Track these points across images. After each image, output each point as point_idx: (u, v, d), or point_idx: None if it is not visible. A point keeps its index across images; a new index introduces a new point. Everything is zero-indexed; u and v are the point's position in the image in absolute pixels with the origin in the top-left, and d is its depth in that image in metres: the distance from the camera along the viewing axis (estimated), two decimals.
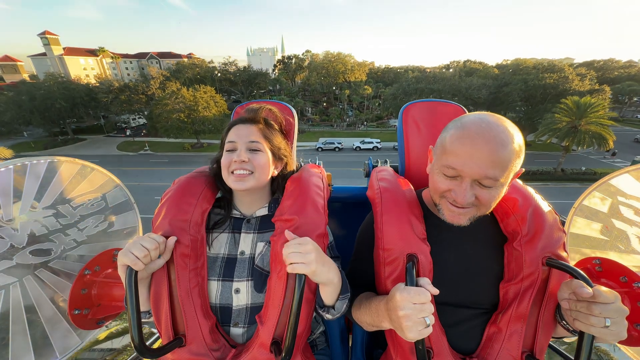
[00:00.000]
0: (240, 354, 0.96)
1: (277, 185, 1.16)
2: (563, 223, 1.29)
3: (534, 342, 0.88)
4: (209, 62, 56.48)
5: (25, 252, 1.18)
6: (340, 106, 52.39)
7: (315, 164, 1.47)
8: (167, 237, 0.95)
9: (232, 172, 1.02)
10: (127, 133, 43.50)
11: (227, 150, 1.05)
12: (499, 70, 45.08)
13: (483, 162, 0.77)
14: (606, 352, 2.05)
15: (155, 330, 1.12)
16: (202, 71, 51.54)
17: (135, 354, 0.84)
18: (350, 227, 1.44)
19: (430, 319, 0.72)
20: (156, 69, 56.07)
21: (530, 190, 1.00)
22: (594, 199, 1.33)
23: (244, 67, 55.14)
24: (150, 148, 37.07)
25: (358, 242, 1.15)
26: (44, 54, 67.85)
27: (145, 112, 40.37)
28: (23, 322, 1.15)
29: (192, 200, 1.03)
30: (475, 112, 0.85)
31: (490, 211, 0.88)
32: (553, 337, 0.94)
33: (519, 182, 1.03)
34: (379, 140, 36.32)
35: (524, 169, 0.83)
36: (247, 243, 1.07)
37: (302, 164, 1.39)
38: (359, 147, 35.65)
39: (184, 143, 37.56)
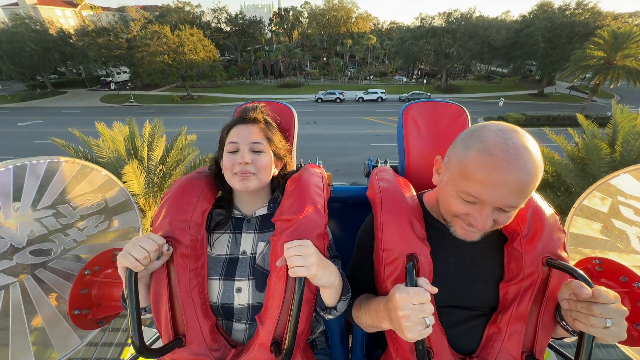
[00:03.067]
0: (240, 354, 0.96)
1: (277, 184, 1.17)
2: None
3: (533, 342, 0.88)
4: (196, 6, 48.97)
5: (25, 252, 1.18)
6: (342, 63, 49.19)
7: (315, 164, 1.47)
8: (166, 237, 0.95)
9: (236, 174, 1.02)
10: (112, 87, 40.74)
11: (229, 152, 1.05)
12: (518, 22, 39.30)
13: (510, 193, 0.72)
14: None
15: (155, 330, 1.12)
16: (189, 16, 45.18)
17: (135, 353, 0.83)
18: (350, 227, 1.43)
19: (430, 320, 0.72)
20: (136, 9, 49.18)
21: None
22: (594, 199, 1.33)
23: (236, 14, 49.01)
24: (137, 100, 35.01)
25: (358, 244, 1.15)
26: (15, 4, 59.39)
27: (127, 60, 36.69)
28: (23, 322, 1.15)
29: (192, 201, 1.03)
30: (495, 125, 0.77)
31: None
32: (553, 337, 0.94)
33: None
34: (383, 91, 33.74)
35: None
36: (248, 243, 1.07)
37: (302, 164, 1.40)
38: (362, 98, 33.29)
39: (173, 95, 35.65)
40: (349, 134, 22.19)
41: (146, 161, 7.41)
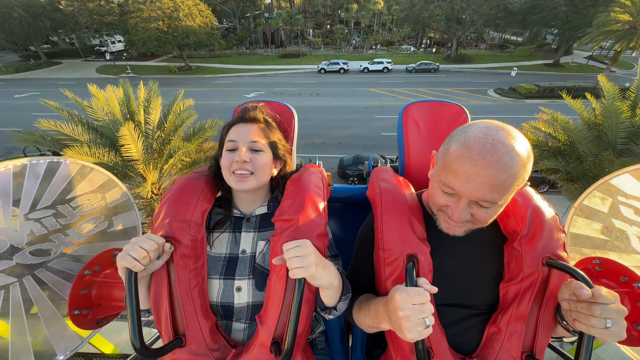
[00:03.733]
0: (240, 354, 0.96)
1: (277, 183, 1.17)
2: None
3: (534, 342, 0.88)
4: None
5: (25, 252, 1.18)
6: (347, 30, 47.14)
7: (315, 164, 1.46)
8: (166, 238, 0.95)
9: (234, 173, 1.02)
10: (107, 57, 39.43)
11: (227, 150, 1.05)
12: None
13: (482, 186, 0.74)
14: None
15: (155, 330, 1.14)
16: None
17: (135, 354, 0.85)
18: (350, 227, 1.44)
19: (430, 320, 0.72)
20: None
21: (530, 190, 0.99)
22: (594, 199, 1.33)
23: None
24: (133, 71, 34.25)
25: (358, 244, 1.15)
26: None
27: (121, 28, 34.49)
28: (23, 323, 1.16)
29: (192, 200, 1.03)
30: (483, 123, 0.78)
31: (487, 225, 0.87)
32: (553, 337, 0.95)
33: None
34: (389, 61, 32.78)
35: (529, 183, 0.81)
36: (247, 242, 1.08)
37: (302, 164, 1.38)
38: (367, 69, 32.55)
39: (170, 66, 35.08)
40: (353, 106, 21.69)
41: (143, 125, 7.16)
